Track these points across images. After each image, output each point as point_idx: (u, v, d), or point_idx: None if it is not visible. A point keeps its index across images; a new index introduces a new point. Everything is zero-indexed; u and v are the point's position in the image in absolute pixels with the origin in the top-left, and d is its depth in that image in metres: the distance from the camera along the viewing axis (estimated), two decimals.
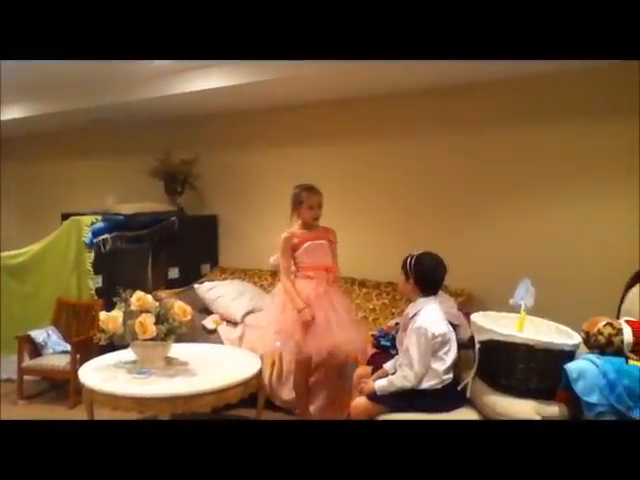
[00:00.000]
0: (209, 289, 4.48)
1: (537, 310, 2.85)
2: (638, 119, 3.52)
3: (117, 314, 3.18)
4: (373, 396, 2.72)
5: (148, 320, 3.10)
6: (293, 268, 3.50)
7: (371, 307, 4.23)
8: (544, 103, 3.88)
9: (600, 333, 2.44)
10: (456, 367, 2.82)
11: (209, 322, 4.26)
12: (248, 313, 4.24)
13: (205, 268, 5.39)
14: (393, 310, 4.12)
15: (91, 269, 4.49)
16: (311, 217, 3.46)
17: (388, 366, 2.93)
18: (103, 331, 3.19)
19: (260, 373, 3.35)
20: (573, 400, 2.39)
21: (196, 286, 4.58)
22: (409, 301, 2.92)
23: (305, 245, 3.45)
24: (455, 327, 3.09)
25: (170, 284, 4.93)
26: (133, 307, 3.18)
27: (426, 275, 2.80)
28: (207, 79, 4.24)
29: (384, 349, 3.29)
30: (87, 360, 3.47)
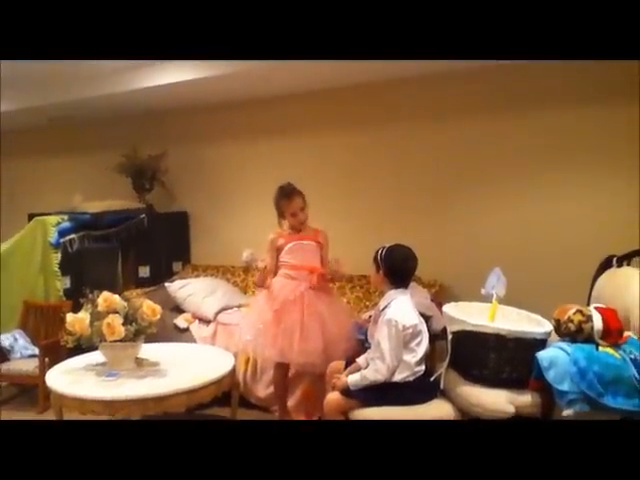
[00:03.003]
0: (180, 287, 4.41)
1: (509, 299, 2.86)
2: (607, 107, 3.56)
3: (84, 316, 3.09)
4: (346, 391, 2.69)
5: (116, 321, 3.02)
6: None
7: (345, 300, 4.20)
8: (514, 92, 3.88)
9: (570, 321, 2.45)
10: (429, 358, 2.81)
11: (181, 321, 4.19)
12: (220, 311, 4.18)
13: (177, 266, 5.31)
14: (367, 303, 4.11)
15: (58, 270, 4.39)
16: (297, 223, 3.38)
17: (361, 360, 2.90)
18: (70, 333, 3.11)
19: (233, 371, 3.30)
20: (545, 388, 2.39)
21: (167, 284, 4.50)
22: (383, 294, 2.89)
23: (289, 245, 3.38)
24: (428, 318, 3.09)
25: (141, 283, 4.85)
26: (100, 308, 3.09)
27: (396, 267, 2.79)
28: (174, 72, 4.15)
29: (358, 343, 3.27)
30: (57, 363, 3.39)
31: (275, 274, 3.41)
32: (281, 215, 3.42)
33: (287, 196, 3.36)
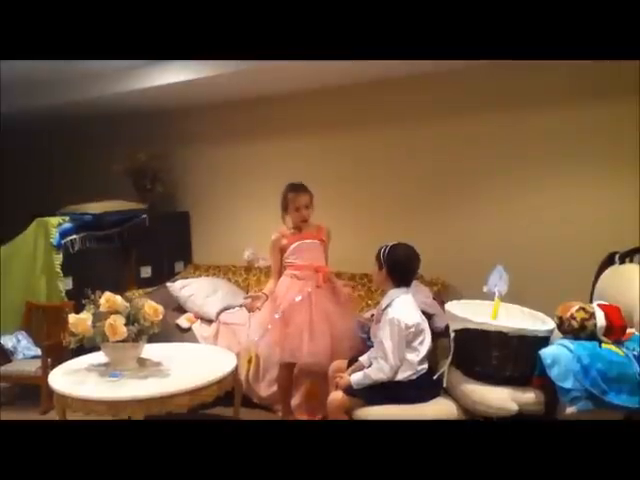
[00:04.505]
0: (182, 287, 4.41)
1: (512, 297, 2.85)
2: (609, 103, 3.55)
3: (86, 316, 3.09)
4: (349, 390, 2.70)
5: (118, 321, 3.02)
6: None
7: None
8: (514, 90, 3.85)
9: (573, 318, 2.44)
10: (432, 357, 2.81)
11: (183, 321, 4.19)
12: (222, 310, 4.18)
13: (179, 266, 5.32)
14: (369, 302, 4.10)
15: (60, 271, 4.39)
16: (299, 219, 3.39)
17: (364, 359, 2.90)
18: (73, 334, 3.11)
19: (235, 371, 3.30)
20: (548, 386, 2.39)
21: (169, 284, 4.50)
22: (385, 293, 2.89)
23: (294, 245, 3.38)
24: (431, 316, 3.09)
25: (143, 283, 4.85)
26: (102, 308, 3.09)
27: (399, 266, 2.79)
28: (175, 71, 4.15)
29: (361, 341, 3.26)
30: (59, 364, 3.39)
31: (280, 274, 3.41)
32: (285, 209, 3.42)
33: (295, 190, 3.38)
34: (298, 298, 3.26)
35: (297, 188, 3.39)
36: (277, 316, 3.25)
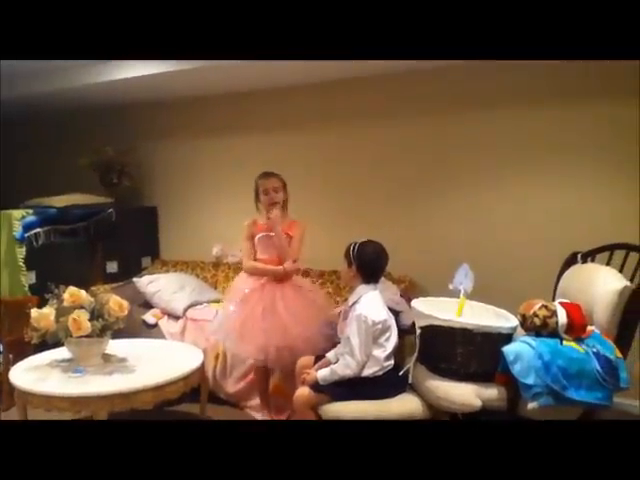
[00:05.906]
0: (149, 283, 4.36)
1: (477, 294, 2.89)
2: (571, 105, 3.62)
3: (49, 311, 3.04)
4: (315, 386, 2.70)
5: (82, 316, 2.97)
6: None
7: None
8: (486, 89, 3.90)
9: (535, 315, 2.49)
10: (398, 353, 2.84)
11: (149, 317, 4.14)
12: (190, 306, 4.15)
13: (146, 261, 5.25)
14: (337, 299, 4.11)
15: (23, 265, 4.30)
16: (267, 202, 3.39)
17: (330, 355, 2.92)
18: (35, 329, 3.05)
19: (202, 367, 3.28)
20: (511, 382, 2.43)
21: (135, 280, 4.44)
22: (353, 289, 2.90)
23: (257, 236, 3.40)
24: (398, 313, 3.12)
25: (109, 278, 4.78)
26: (66, 303, 3.04)
27: (368, 262, 2.81)
28: (142, 65, 4.09)
29: (328, 338, 3.27)
30: (22, 360, 3.31)
31: (252, 257, 3.43)
32: (257, 196, 3.44)
33: (265, 175, 3.43)
34: (246, 290, 3.30)
35: (267, 174, 3.44)
36: (232, 308, 3.30)
